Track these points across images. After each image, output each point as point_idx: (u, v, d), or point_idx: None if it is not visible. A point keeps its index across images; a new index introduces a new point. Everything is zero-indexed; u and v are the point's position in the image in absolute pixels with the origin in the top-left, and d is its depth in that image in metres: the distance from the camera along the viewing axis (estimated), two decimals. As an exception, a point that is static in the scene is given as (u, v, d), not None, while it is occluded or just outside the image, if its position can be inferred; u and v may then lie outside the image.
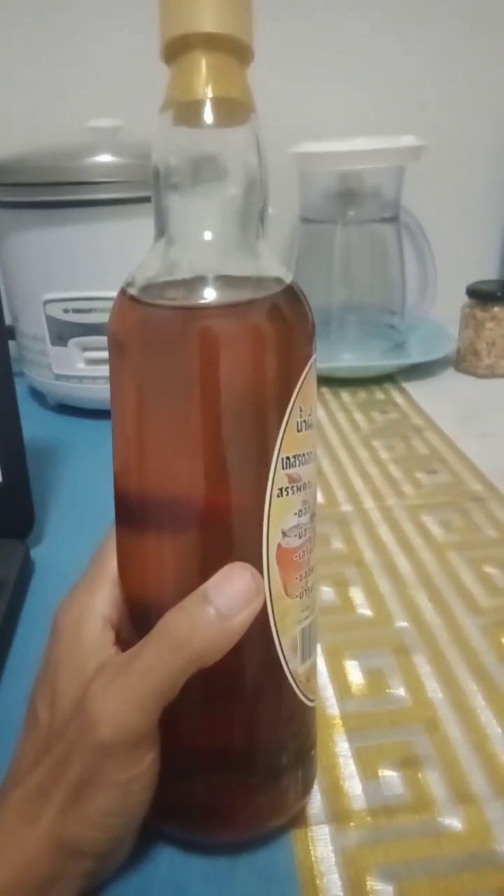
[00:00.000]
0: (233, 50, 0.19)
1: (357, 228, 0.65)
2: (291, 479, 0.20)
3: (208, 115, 0.19)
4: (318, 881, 0.23)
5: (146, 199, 0.49)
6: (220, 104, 0.19)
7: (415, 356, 0.67)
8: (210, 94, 0.19)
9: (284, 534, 0.21)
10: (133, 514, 0.22)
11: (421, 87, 0.73)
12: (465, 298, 0.66)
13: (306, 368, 0.20)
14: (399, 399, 0.62)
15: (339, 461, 0.52)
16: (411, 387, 0.64)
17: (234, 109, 0.20)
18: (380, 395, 0.63)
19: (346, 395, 0.63)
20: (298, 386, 0.20)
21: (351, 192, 0.64)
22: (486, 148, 0.77)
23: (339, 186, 0.64)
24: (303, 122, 0.64)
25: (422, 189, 0.66)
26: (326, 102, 0.71)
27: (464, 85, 0.74)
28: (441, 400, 0.61)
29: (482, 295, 0.65)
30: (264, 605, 0.20)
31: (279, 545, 0.21)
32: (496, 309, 0.64)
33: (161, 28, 0.19)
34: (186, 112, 0.19)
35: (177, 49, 0.19)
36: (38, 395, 0.62)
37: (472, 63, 0.73)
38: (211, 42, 0.19)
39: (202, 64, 0.19)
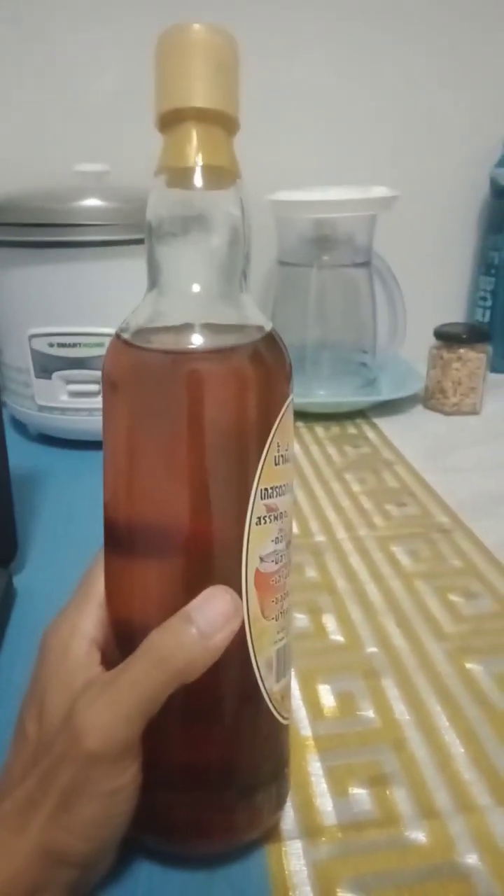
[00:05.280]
0: (221, 122, 0.22)
1: (331, 272, 0.68)
2: (269, 508, 0.22)
3: (198, 181, 0.21)
4: (290, 893, 0.24)
5: (130, 242, 0.52)
6: (208, 171, 0.21)
7: (385, 393, 0.70)
8: (200, 162, 0.21)
9: (262, 559, 0.22)
10: (121, 540, 0.23)
11: (391, 139, 0.78)
12: (432, 340, 0.69)
13: (284, 407, 0.22)
14: (370, 434, 0.65)
15: (312, 493, 0.53)
16: (382, 422, 0.67)
17: (222, 175, 0.22)
18: (352, 430, 0.66)
19: (319, 430, 0.66)
20: (276, 423, 0.22)
21: (325, 238, 0.67)
22: (452, 198, 0.82)
23: (315, 232, 0.68)
24: (280, 170, 0.67)
25: (393, 236, 0.70)
26: (302, 152, 0.74)
27: (432, 137, 0.79)
28: (410, 435, 0.64)
29: (449, 337, 0.68)
30: (242, 626, 0.22)
31: (257, 570, 0.22)
32: (462, 350, 0.67)
33: (156, 100, 0.22)
34: (179, 177, 0.22)
35: (170, 120, 0.21)
36: (18, 425, 0.63)
37: (439, 117, 0.78)
38: (202, 115, 0.21)
39: (193, 135, 0.21)
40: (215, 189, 0.22)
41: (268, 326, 0.23)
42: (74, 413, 0.56)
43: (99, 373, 0.60)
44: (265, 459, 0.22)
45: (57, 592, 0.27)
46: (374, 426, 0.66)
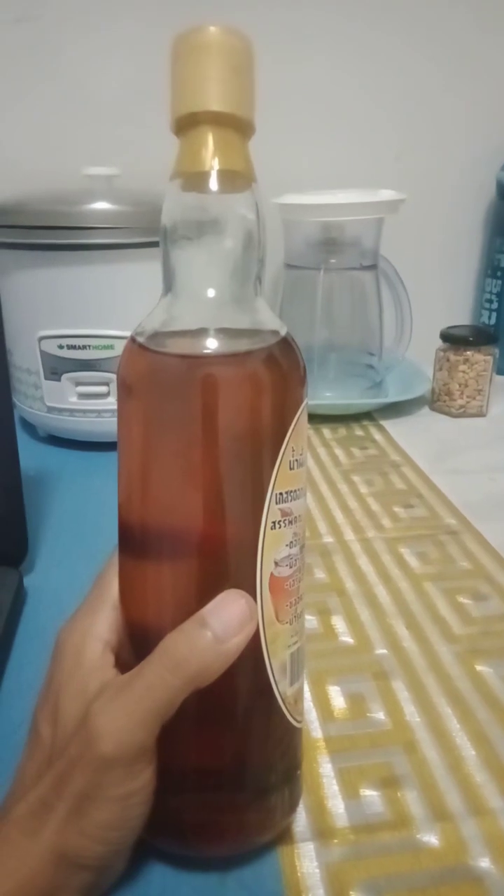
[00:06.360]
0: (237, 126, 0.21)
1: (338, 275, 0.68)
2: (284, 513, 0.22)
3: (214, 185, 0.21)
4: (303, 895, 0.24)
5: (139, 245, 0.52)
6: (224, 175, 0.21)
7: (392, 395, 0.70)
8: (216, 167, 0.21)
9: (276, 563, 0.22)
10: (136, 543, 0.23)
11: (397, 142, 0.78)
12: (439, 342, 0.69)
13: (298, 412, 0.22)
14: (377, 436, 0.65)
15: (320, 495, 0.54)
16: (389, 424, 0.67)
17: (237, 179, 0.22)
18: (359, 432, 0.66)
19: (327, 431, 0.66)
20: (291, 428, 0.22)
21: (332, 241, 0.67)
22: (458, 201, 0.82)
23: (322, 235, 0.68)
24: (286, 173, 0.67)
25: (399, 238, 0.70)
26: (308, 154, 0.75)
27: (438, 140, 0.79)
28: (417, 437, 0.64)
29: (455, 339, 0.68)
30: (257, 630, 0.22)
31: (272, 574, 0.22)
32: (468, 352, 0.67)
33: (172, 103, 0.22)
34: (194, 181, 0.22)
35: (186, 124, 0.21)
36: (27, 426, 0.63)
37: (445, 119, 0.78)
38: (217, 119, 0.21)
39: (209, 139, 0.21)
40: (231, 193, 0.22)
41: (283, 331, 0.23)
42: (83, 414, 0.57)
43: (108, 374, 0.61)
44: (280, 464, 0.22)
45: (67, 592, 0.27)
46: (380, 428, 0.66)
